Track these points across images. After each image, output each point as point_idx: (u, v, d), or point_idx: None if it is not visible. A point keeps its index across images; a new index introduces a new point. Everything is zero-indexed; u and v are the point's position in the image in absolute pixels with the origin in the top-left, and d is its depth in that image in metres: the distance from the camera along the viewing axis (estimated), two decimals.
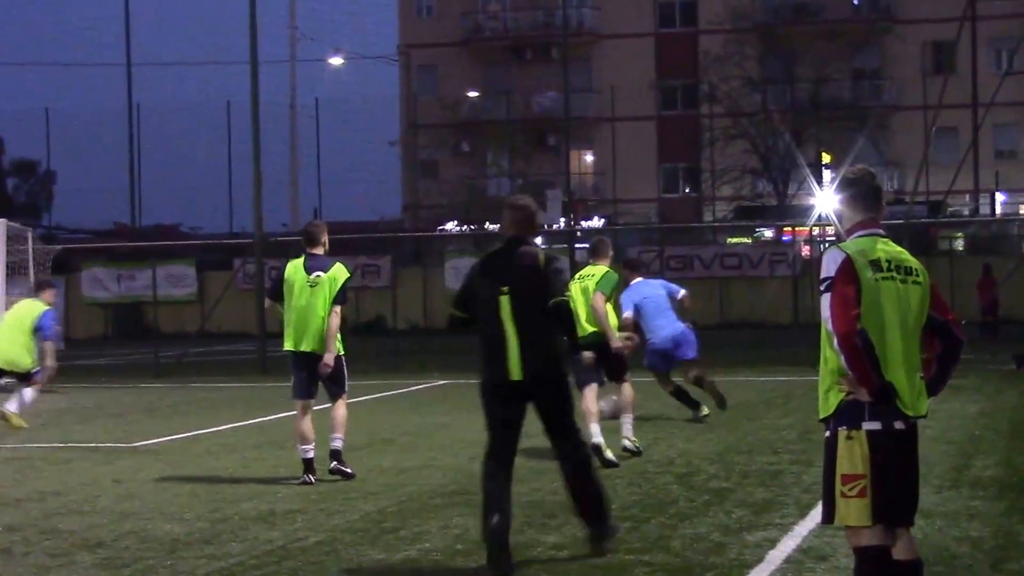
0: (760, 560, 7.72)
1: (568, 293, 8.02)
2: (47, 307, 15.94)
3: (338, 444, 11.37)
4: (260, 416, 16.48)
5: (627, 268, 15.30)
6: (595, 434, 11.52)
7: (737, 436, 13.63)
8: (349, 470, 11.32)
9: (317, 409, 11.52)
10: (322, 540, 8.63)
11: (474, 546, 8.20)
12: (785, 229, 43.16)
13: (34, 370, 15.83)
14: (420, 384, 21.25)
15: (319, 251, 11.47)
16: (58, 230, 51.92)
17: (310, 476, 11.10)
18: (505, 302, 7.85)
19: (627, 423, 12.39)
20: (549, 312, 7.80)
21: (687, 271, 39.37)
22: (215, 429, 15.63)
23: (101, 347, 36.96)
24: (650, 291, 14.99)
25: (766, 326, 35.38)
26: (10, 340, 15.83)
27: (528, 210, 8.12)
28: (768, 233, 48.10)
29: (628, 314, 14.05)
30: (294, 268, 11.41)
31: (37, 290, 16.73)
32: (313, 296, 11.26)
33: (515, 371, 7.80)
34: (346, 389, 11.51)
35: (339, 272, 11.40)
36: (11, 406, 15.75)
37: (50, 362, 15.88)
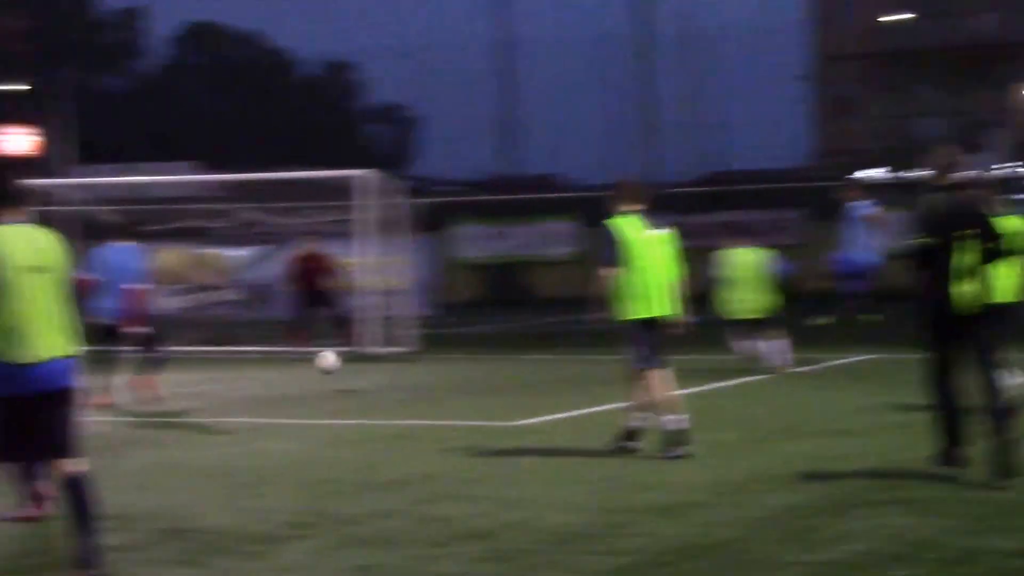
0: None
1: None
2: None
3: (681, 425, 11.92)
4: None
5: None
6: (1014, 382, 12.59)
7: None
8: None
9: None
10: (731, 537, 8.64)
11: (911, 549, 8.05)
12: None
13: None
14: (838, 359, 20.93)
15: (638, 208, 12.15)
16: (426, 181, 53.68)
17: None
18: (958, 246, 9.92)
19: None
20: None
21: None
22: (604, 408, 15.84)
23: (475, 313, 38.18)
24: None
25: None
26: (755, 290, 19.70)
27: (943, 160, 10.27)
28: None
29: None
30: (632, 228, 12.02)
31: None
32: (656, 258, 12.03)
33: (962, 305, 9.94)
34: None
35: (667, 230, 12.28)
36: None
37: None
